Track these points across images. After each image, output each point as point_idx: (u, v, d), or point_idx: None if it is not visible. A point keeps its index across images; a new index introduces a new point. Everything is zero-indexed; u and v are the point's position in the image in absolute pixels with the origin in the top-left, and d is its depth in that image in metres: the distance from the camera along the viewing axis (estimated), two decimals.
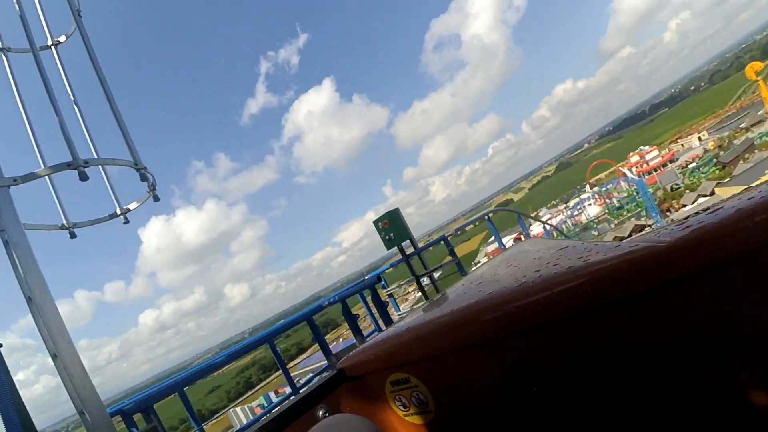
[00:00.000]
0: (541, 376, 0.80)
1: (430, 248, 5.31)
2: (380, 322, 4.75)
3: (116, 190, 2.30)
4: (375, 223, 6.06)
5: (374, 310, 4.80)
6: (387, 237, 5.87)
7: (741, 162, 42.31)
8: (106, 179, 2.29)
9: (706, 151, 57.64)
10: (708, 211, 0.68)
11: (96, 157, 2.02)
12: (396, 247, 5.90)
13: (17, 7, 1.64)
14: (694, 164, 52.44)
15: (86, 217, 2.24)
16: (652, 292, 0.67)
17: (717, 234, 0.60)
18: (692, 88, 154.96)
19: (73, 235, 2.17)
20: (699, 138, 69.44)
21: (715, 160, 48.71)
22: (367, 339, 1.83)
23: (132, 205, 2.23)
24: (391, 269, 7.08)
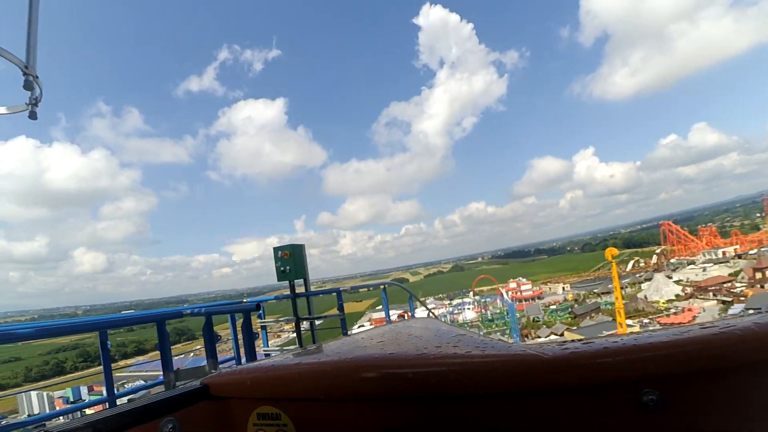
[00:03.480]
0: None
1: (321, 295, 5.18)
2: (242, 351, 4.33)
3: None
4: (275, 249, 5.78)
5: (240, 338, 4.38)
6: (282, 268, 5.60)
7: (588, 318, 52.55)
8: None
9: (565, 299, 69.85)
10: (582, 341, 0.82)
11: None
12: (287, 282, 5.64)
13: None
14: (554, 307, 62.78)
15: None
16: (534, 393, 0.74)
17: (588, 358, 0.73)
18: (568, 248, 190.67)
19: None
20: (563, 288, 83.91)
21: (570, 309, 59.37)
22: (221, 365, 1.63)
23: (1, 109, 1.87)
24: (274, 301, 6.66)
